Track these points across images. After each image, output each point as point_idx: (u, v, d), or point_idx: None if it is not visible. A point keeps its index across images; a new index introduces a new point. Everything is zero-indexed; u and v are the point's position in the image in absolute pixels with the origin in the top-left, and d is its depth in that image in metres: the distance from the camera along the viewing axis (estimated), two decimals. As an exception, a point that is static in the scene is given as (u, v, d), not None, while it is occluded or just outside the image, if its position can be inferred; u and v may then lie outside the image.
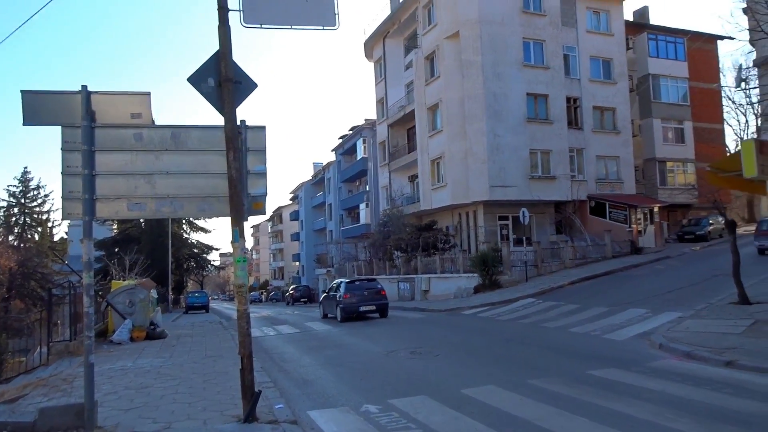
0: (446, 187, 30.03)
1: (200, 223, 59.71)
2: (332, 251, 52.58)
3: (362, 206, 49.35)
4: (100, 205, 5.88)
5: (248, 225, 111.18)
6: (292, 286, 56.68)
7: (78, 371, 9.70)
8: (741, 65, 15.76)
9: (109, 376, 9.19)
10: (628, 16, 38.12)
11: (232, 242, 6.02)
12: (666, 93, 37.10)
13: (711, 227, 33.32)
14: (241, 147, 6.18)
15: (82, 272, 5.83)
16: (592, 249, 27.54)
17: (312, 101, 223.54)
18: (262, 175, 6.31)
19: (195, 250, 59.57)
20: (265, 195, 6.31)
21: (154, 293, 16.43)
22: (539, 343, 11.14)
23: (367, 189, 48.98)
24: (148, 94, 6.04)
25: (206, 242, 61.33)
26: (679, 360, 8.84)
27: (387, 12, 37.83)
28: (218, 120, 6.18)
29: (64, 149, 5.81)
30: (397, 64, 37.76)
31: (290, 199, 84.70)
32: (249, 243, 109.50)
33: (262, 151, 6.31)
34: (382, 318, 19.45)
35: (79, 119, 5.76)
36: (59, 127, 5.85)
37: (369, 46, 41.13)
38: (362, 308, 19.30)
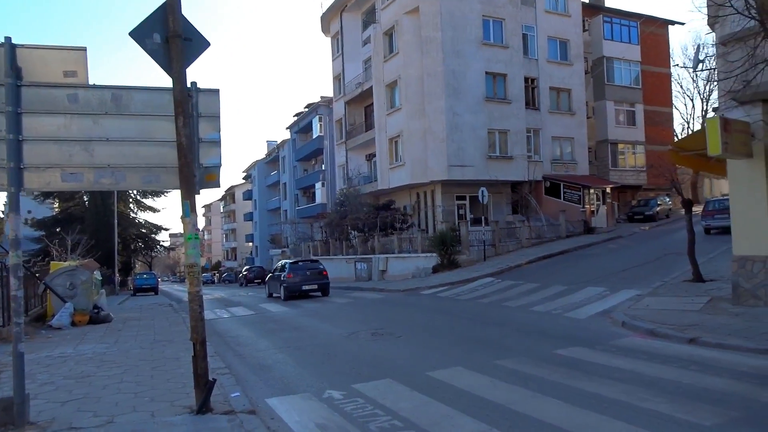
0: (404, 166, 29.70)
1: (148, 201, 57.64)
2: (287, 231, 51.70)
3: (318, 186, 48.51)
4: (28, 175, 5.18)
5: (200, 204, 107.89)
6: (245, 267, 54.87)
7: (8, 360, 8.91)
8: (699, 46, 15.97)
9: (46, 364, 8.45)
10: (584, -2, 38.43)
11: (182, 217, 5.44)
12: (619, 76, 37.76)
13: (659, 208, 34.39)
14: (191, 112, 5.57)
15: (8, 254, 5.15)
16: (548, 229, 27.89)
17: (265, 77, 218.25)
18: (216, 143, 5.74)
19: (143, 230, 57.46)
20: (218, 166, 5.75)
21: (97, 275, 15.47)
22: (502, 323, 11.00)
23: (323, 168, 48.13)
24: (84, 49, 5.35)
25: (155, 222, 59.20)
26: (642, 338, 8.83)
27: (344, -16, 36.79)
28: (166, 82, 5.54)
29: (-15, 110, 5.07)
30: (355, 40, 36.91)
31: (243, 178, 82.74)
32: (201, 223, 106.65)
33: (215, 117, 5.72)
34: (324, 296, 20.51)
35: (2, 76, 5.02)
36: (-21, 86, 5.08)
37: (326, 20, 40.01)
38: (305, 287, 20.45)
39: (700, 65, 15.96)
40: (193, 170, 5.49)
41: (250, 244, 75.18)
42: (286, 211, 58.37)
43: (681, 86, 47.18)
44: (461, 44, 28.44)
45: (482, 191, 23.38)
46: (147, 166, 5.54)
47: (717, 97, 10.49)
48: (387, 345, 9.34)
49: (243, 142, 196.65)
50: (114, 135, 5.42)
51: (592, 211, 30.90)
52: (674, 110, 44.29)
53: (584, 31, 35.81)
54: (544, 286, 15.72)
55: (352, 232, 31.55)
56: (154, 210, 58.55)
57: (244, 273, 48.61)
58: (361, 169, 35.67)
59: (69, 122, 5.30)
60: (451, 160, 27.95)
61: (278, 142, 62.78)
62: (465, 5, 28.54)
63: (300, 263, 22.09)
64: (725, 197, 29.29)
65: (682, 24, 42.49)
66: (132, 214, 56.33)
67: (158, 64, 5.48)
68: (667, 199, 37.03)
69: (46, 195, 54.77)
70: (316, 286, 20.56)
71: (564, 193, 30.96)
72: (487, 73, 29.19)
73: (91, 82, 5.41)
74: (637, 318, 9.90)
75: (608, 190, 32.81)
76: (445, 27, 28.06)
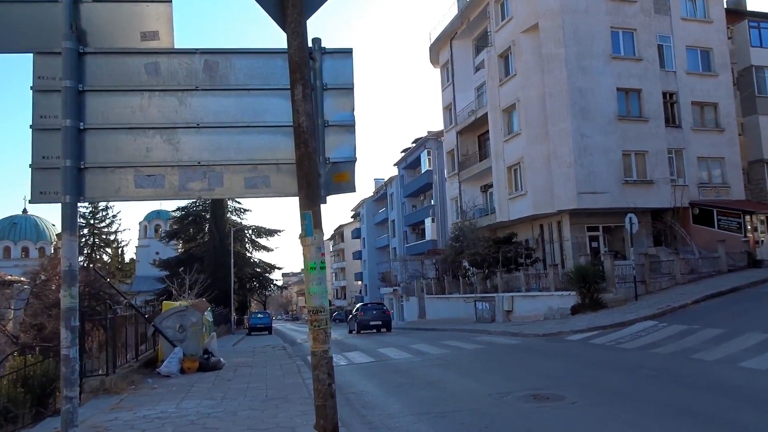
0: (526, 195, 27.02)
1: (262, 241, 58.94)
2: (397, 269, 50.14)
3: (428, 221, 46.85)
4: (90, 178, 3.62)
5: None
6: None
7: (107, 419, 7.57)
8: None
9: (141, 429, 6.96)
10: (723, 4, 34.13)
11: (301, 237, 3.61)
12: (772, 85, 32.70)
13: (840, 236, 28.55)
14: (314, 81, 3.79)
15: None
16: (702, 262, 23.71)
17: (371, 114, 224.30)
18: (349, 128, 3.91)
19: (257, 269, 58.64)
20: (353, 161, 3.89)
21: (209, 315, 14.42)
22: (711, 385, 8.11)
23: (433, 203, 46.48)
24: (169, 1, 3.79)
25: (268, 261, 60.37)
26: None
27: (454, 12, 35.47)
28: (277, 42, 3.84)
29: (36, 89, 3.61)
30: (466, 67, 35.25)
31: (351, 217, 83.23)
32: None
33: (347, 90, 3.91)
34: (387, 331, 27.19)
35: (60, 41, 3.55)
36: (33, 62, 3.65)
37: (435, 51, 38.86)
38: (372, 323, 27.82)
39: None
40: (316, 166, 3.67)
41: (360, 282, 74.64)
42: (395, 248, 57.11)
43: None
44: (587, 59, 25.70)
45: (630, 218, 20.11)
46: (252, 163, 3.80)
47: None
48: (561, 416, 6.90)
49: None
50: (207, 119, 3.76)
51: (756, 242, 26.12)
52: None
53: (728, 39, 31.51)
54: (733, 333, 12.35)
55: (470, 268, 29.13)
56: (267, 249, 59.82)
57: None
58: (476, 201, 33.36)
59: (147, 102, 3.71)
60: (580, 186, 24.91)
61: (386, 180, 62.24)
62: (591, 17, 25.90)
63: (369, 305, 31.25)
64: None
65: None
66: (247, 254, 57.76)
67: (268, 13, 3.79)
68: None
69: (171, 236, 57.91)
70: (380, 322, 27.80)
71: (718, 220, 26.51)
72: (618, 89, 26.10)
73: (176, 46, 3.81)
74: None
75: (774, 215, 27.78)
76: (568, 42, 25.53)
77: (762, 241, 26.32)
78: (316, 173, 3.66)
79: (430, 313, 34.42)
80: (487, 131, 31.21)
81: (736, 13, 33.54)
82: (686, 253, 24.31)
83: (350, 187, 3.91)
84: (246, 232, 57.72)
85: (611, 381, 9.05)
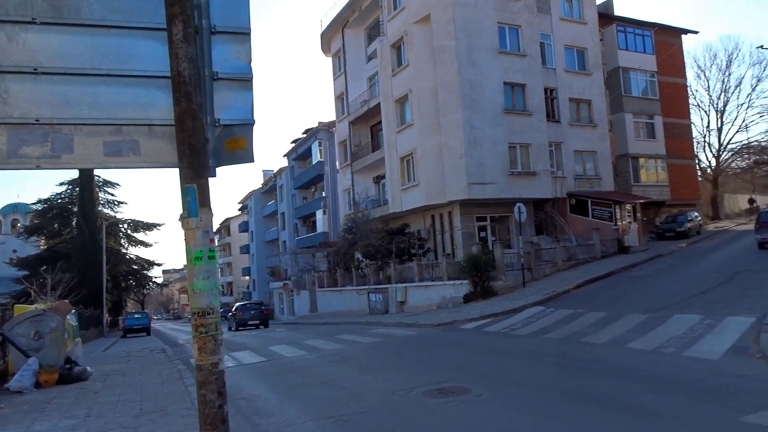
0: (419, 186, 27.19)
1: (140, 236, 54.72)
2: (287, 262, 48.82)
3: (319, 213, 45.98)
4: None
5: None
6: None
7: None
8: None
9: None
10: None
11: (183, 217, 2.78)
12: (636, 87, 35.83)
13: (690, 224, 31.96)
14: (199, 21, 2.96)
15: None
16: (579, 249, 25.31)
17: (258, 103, 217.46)
18: (244, 82, 3.12)
19: (134, 267, 54.40)
20: (249, 124, 3.12)
21: (72, 319, 12.59)
22: (606, 369, 8.26)
23: (324, 195, 45.69)
24: None
25: (147, 257, 56.20)
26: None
27: (345, -1, 34.84)
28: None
29: None
30: (358, 56, 34.79)
31: (239, 210, 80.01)
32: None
33: (242, 35, 3.11)
34: (265, 328, 30.25)
35: None
36: None
37: (326, 39, 37.99)
38: (250, 322, 30.80)
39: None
40: (202, 128, 2.86)
41: (247, 278, 72.03)
42: (285, 241, 55.59)
43: (695, 98, 45.18)
44: (477, 53, 26.29)
45: (519, 207, 20.80)
46: (114, 123, 2.89)
47: None
48: (472, 411, 6.58)
49: (237, 172, 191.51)
50: (49, 62, 2.80)
51: (624, 230, 28.39)
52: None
53: (600, 41, 33.91)
54: (615, 315, 13.02)
55: (363, 260, 28.82)
56: (146, 245, 55.66)
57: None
58: (368, 192, 33.11)
59: (-44, 35, 2.67)
60: (471, 177, 25.48)
61: (275, 171, 60.32)
62: (480, 12, 26.49)
63: (248, 305, 33.56)
64: None
65: (696, 33, 40.87)
66: (122, 250, 53.33)
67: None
68: (696, 215, 34.66)
69: (31, 232, 51.92)
70: (258, 321, 30.89)
71: (593, 210, 28.47)
72: (505, 83, 27.00)
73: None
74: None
75: (638, 206, 30.39)
76: (459, 35, 25.93)
77: (627, 229, 28.66)
78: (201, 137, 2.84)
79: (323, 307, 33.77)
80: (380, 122, 31.03)
81: (606, 17, 36.19)
82: (565, 241, 25.78)
83: (247, 157, 3.14)
84: (120, 226, 53.24)
85: (512, 369, 8.98)
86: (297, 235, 51.25)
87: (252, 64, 3.11)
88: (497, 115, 26.48)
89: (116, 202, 53.36)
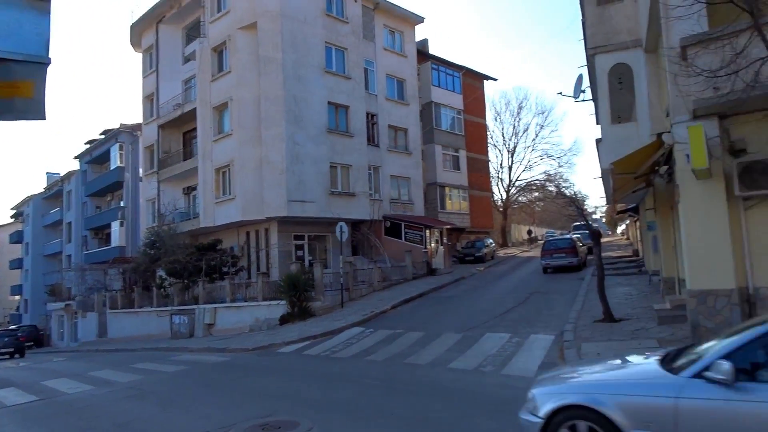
0: (235, 200, 25.58)
1: None
2: (72, 280, 42.41)
3: (115, 225, 41.03)
4: None
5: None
6: None
7: None
8: (580, 76, 15.64)
9: None
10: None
11: None
12: (446, 121, 38.78)
13: (486, 250, 35.16)
14: None
15: None
16: (393, 270, 26.07)
17: (48, 91, 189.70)
18: (39, 1, 2.05)
19: None
20: (42, 62, 2.05)
21: None
22: (434, 391, 8.11)
23: (123, 204, 40.99)
24: None
25: None
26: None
27: (163, -8, 31.96)
28: None
29: None
30: (174, 56, 32.03)
31: (11, 217, 68.13)
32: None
33: None
34: (21, 357, 28.45)
35: None
36: None
37: (137, 32, 34.33)
38: (2, 350, 28.48)
39: (581, 95, 15.67)
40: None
41: (17, 297, 61.23)
42: (70, 255, 48.48)
43: (492, 138, 50.54)
44: (303, 69, 25.88)
45: (341, 226, 20.57)
46: None
47: (668, 111, 9.30)
48: (304, 449, 5.78)
49: (12, 172, 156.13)
50: None
51: (433, 253, 30.07)
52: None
53: (417, 75, 36.09)
54: (432, 335, 13.29)
55: (167, 278, 26.07)
56: None
57: None
58: (177, 204, 30.31)
59: None
60: (291, 194, 24.73)
61: (62, 175, 52.62)
62: (308, 28, 26.21)
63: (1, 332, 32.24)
64: (562, 237, 30.85)
65: (496, 80, 45.91)
66: None
67: None
68: (491, 241, 38.36)
69: None
70: (12, 349, 28.79)
71: (406, 233, 29.67)
72: (329, 102, 26.96)
73: None
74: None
75: (445, 231, 32.55)
76: (286, 48, 25.28)
77: (435, 252, 30.43)
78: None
79: (114, 331, 29.72)
80: (195, 128, 28.75)
81: (423, 54, 38.70)
82: (380, 262, 26.34)
83: (33, 110, 2.07)
84: None
85: (341, 396, 8.37)
86: (86, 248, 45.01)
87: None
88: (320, 134, 26.28)
89: None
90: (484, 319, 14.54)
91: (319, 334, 15.20)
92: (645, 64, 14.17)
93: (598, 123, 23.39)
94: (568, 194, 14.87)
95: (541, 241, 58.90)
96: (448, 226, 32.81)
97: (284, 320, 18.27)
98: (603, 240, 43.76)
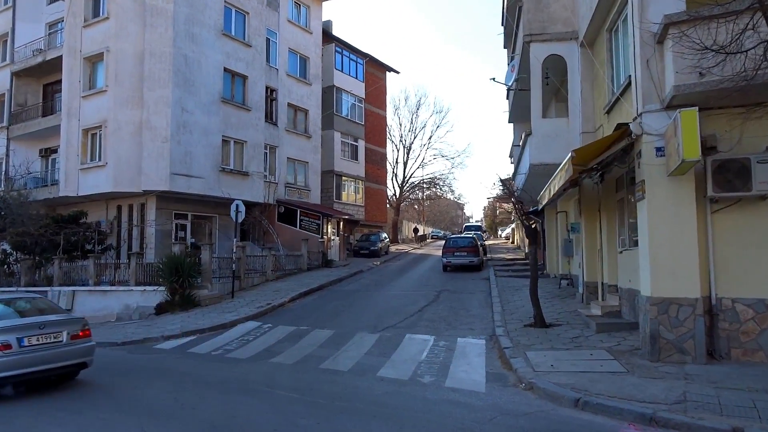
0: (106, 168, 21.91)
1: None
2: None
3: (-52, 188, 34.33)
4: None
5: None
6: None
7: None
8: (514, 63, 14.77)
9: None
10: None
11: None
12: (346, 108, 37.17)
13: (381, 244, 34.17)
14: None
15: None
16: (287, 260, 23.99)
17: None
18: None
19: None
20: None
21: None
22: (379, 412, 6.47)
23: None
24: None
25: None
26: (636, 429, 5.61)
27: None
28: None
29: None
30: (38, -8, 27.14)
31: None
32: None
33: None
34: None
35: None
36: None
37: (-10, -42, 28.71)
38: None
39: (515, 84, 14.81)
40: None
41: None
42: None
43: (390, 132, 49.81)
44: (198, 27, 22.85)
45: (237, 205, 18.12)
46: None
47: (634, 100, 8.44)
48: None
49: None
50: None
51: (328, 244, 28.35)
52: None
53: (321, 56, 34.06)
54: (343, 334, 11.65)
55: (14, 253, 21.75)
56: None
57: None
58: (31, 167, 25.60)
59: None
60: (175, 166, 21.69)
61: None
62: (207, -19, 23.22)
63: None
64: (464, 236, 30.46)
65: (398, 72, 45.08)
66: None
67: None
68: (385, 236, 37.46)
69: None
70: None
71: (301, 220, 27.64)
72: (225, 69, 24.12)
73: None
74: (567, 387, 6.75)
75: (341, 222, 30.97)
76: (179, 0, 22.15)
77: (332, 243, 28.77)
78: None
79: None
80: (60, 81, 24.38)
81: (327, 36, 36.74)
82: (272, 250, 24.10)
83: None
84: None
85: (249, 416, 6.41)
86: None
87: None
88: (213, 102, 23.41)
89: None
90: (398, 319, 13.16)
91: (207, 327, 12.88)
92: (579, 58, 13.67)
93: (511, 121, 23.33)
94: (509, 189, 13.77)
95: (430, 240, 59.84)
96: (346, 217, 31.25)
97: (162, 309, 15.56)
98: (488, 243, 44.73)
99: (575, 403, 6.29)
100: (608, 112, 11.65)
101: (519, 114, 20.22)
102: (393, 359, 9.25)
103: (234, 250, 18.37)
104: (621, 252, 11.04)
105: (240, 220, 18.28)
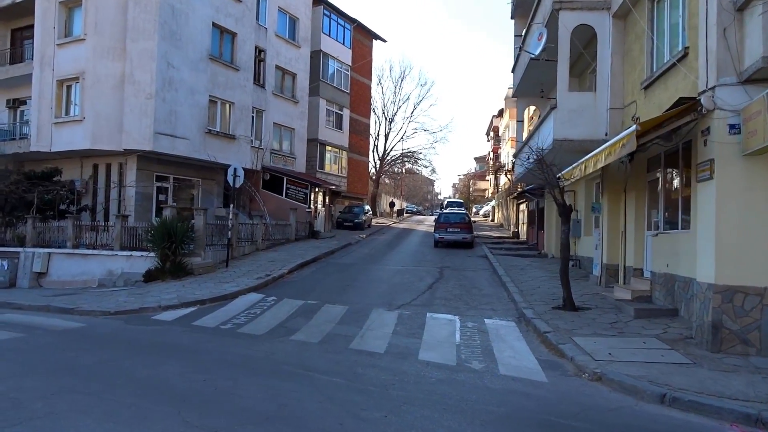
0: (83, 122, 20.34)
1: None
2: None
3: None
4: None
5: None
6: None
7: None
8: (543, 31, 13.97)
9: None
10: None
11: None
12: (332, 75, 35.85)
13: (365, 216, 33.42)
14: None
15: None
16: (276, 229, 23.01)
17: None
18: None
19: None
20: None
21: None
22: (446, 406, 5.82)
23: None
24: None
25: None
26: (739, 430, 5.11)
27: None
28: None
29: None
30: (7, -73, 24.73)
31: None
32: None
33: None
34: None
35: None
36: None
37: None
38: None
39: (543, 53, 14.04)
40: None
41: None
42: None
43: (374, 102, 48.59)
44: (188, -25, 21.26)
45: (235, 169, 17.00)
46: None
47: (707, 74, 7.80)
48: None
49: None
50: None
51: (314, 214, 27.43)
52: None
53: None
54: (359, 310, 10.96)
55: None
56: None
57: None
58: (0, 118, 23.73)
59: None
60: (159, 125, 20.32)
61: None
62: (199, -74, 21.51)
63: None
64: (456, 211, 29.84)
65: (385, 41, 43.66)
66: None
67: None
68: (368, 208, 36.68)
69: None
70: None
71: (287, 189, 26.59)
72: (214, 24, 22.64)
73: None
74: (643, 379, 6.23)
75: (328, 192, 30.01)
76: (169, -57, 20.47)
77: (318, 214, 27.85)
78: None
79: None
80: (32, 26, 22.45)
81: (315, -2, 35.11)
82: (262, 218, 23.07)
83: None
84: None
85: (303, 404, 5.65)
86: None
87: None
88: (201, 59, 21.95)
89: None
90: (410, 296, 12.52)
91: (207, 298, 11.94)
92: (611, 30, 13.03)
93: (515, 96, 22.55)
94: (545, 164, 12.87)
95: (407, 215, 59.29)
96: (333, 187, 30.30)
97: (152, 277, 14.49)
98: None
99: (661, 398, 5.75)
100: (646, 88, 11.07)
101: (526, 88, 19.56)
102: (426, 340, 8.60)
103: (230, 217, 17.28)
104: (656, 235, 10.57)
105: (238, 185, 17.17)
